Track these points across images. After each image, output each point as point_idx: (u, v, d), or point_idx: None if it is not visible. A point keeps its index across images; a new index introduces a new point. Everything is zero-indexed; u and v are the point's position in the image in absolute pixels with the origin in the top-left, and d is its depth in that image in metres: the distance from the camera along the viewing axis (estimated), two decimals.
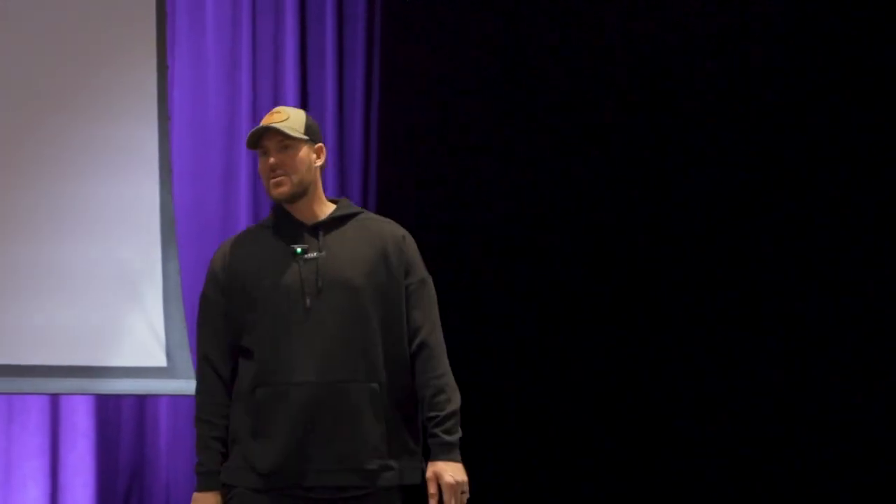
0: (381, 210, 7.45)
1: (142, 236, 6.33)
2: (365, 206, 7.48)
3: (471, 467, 3.90)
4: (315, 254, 3.88)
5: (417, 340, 3.91)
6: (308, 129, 3.96)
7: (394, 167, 7.57)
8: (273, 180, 3.91)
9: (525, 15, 7.64)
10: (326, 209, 3.99)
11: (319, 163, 3.98)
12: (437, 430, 3.84)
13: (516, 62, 7.64)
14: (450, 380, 3.89)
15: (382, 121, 7.56)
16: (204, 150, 7.13)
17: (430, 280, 3.98)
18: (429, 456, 3.91)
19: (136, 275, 6.31)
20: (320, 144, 3.99)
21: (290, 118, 3.94)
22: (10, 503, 6.60)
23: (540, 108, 7.61)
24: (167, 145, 6.39)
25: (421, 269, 3.97)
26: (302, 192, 3.94)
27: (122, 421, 6.95)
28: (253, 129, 3.93)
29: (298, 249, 3.89)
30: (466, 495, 3.83)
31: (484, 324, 7.46)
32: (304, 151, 3.94)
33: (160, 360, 6.32)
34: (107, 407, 6.87)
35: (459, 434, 3.86)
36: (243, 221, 7.18)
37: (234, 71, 7.21)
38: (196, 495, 3.88)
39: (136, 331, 6.27)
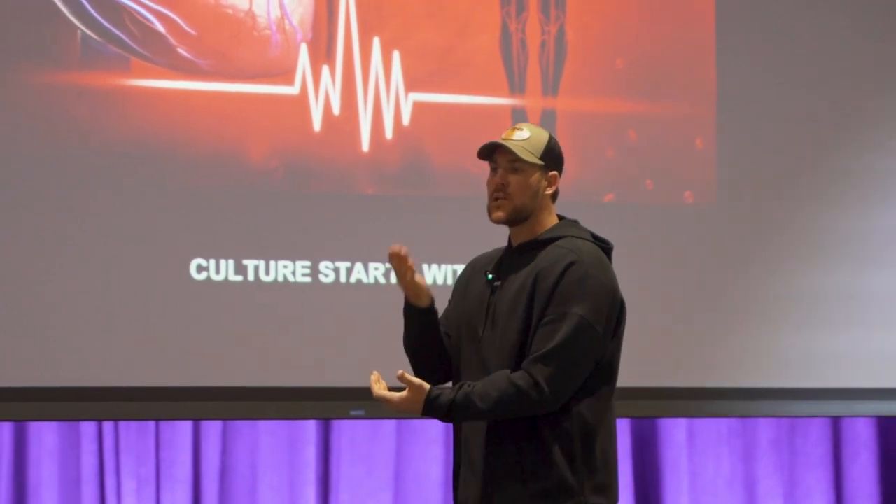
0: None
1: None
2: None
3: None
4: (499, 283, 3.72)
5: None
6: (546, 154, 3.69)
7: None
8: (494, 202, 3.71)
9: None
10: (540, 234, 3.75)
11: (550, 191, 3.70)
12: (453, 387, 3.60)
13: None
14: (491, 390, 3.54)
15: None
16: None
17: (573, 315, 3.54)
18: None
19: None
20: (555, 173, 3.70)
21: (530, 138, 3.68)
22: None
23: None
24: None
25: (565, 303, 3.56)
26: (521, 219, 3.70)
27: None
28: (487, 143, 3.73)
29: (490, 276, 3.74)
30: (393, 406, 3.55)
31: None
32: (536, 177, 3.68)
33: None
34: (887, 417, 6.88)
35: (450, 403, 3.53)
36: None
37: None
38: None
39: None
